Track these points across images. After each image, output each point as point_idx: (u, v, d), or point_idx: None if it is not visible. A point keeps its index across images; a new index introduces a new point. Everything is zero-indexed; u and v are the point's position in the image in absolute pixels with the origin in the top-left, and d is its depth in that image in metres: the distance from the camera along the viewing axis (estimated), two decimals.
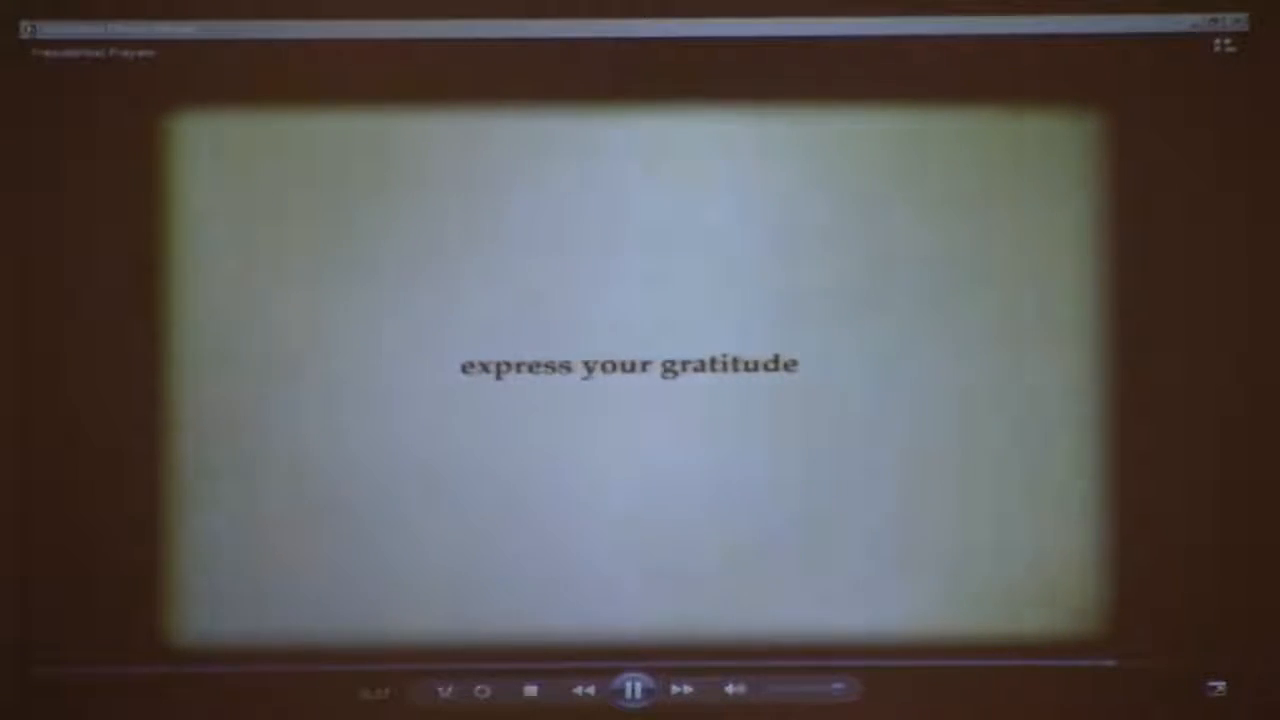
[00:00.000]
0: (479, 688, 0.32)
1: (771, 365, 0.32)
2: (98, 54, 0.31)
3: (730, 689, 0.32)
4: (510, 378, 0.31)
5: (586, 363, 0.32)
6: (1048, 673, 0.32)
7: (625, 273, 0.32)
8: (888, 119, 0.31)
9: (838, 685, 0.32)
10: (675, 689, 0.32)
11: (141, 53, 0.31)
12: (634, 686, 0.32)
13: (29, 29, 0.31)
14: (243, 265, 0.31)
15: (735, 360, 0.32)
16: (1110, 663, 0.32)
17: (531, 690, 0.32)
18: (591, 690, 0.32)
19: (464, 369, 0.31)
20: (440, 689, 0.32)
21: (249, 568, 0.31)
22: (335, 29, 0.31)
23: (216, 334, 0.31)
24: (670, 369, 0.32)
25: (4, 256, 0.31)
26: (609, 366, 0.32)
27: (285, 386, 0.31)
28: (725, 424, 0.32)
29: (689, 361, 0.32)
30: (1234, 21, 0.32)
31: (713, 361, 0.32)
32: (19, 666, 0.31)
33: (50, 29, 0.31)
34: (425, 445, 0.31)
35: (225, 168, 0.31)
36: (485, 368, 0.31)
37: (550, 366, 0.31)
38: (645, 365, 0.32)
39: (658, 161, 0.31)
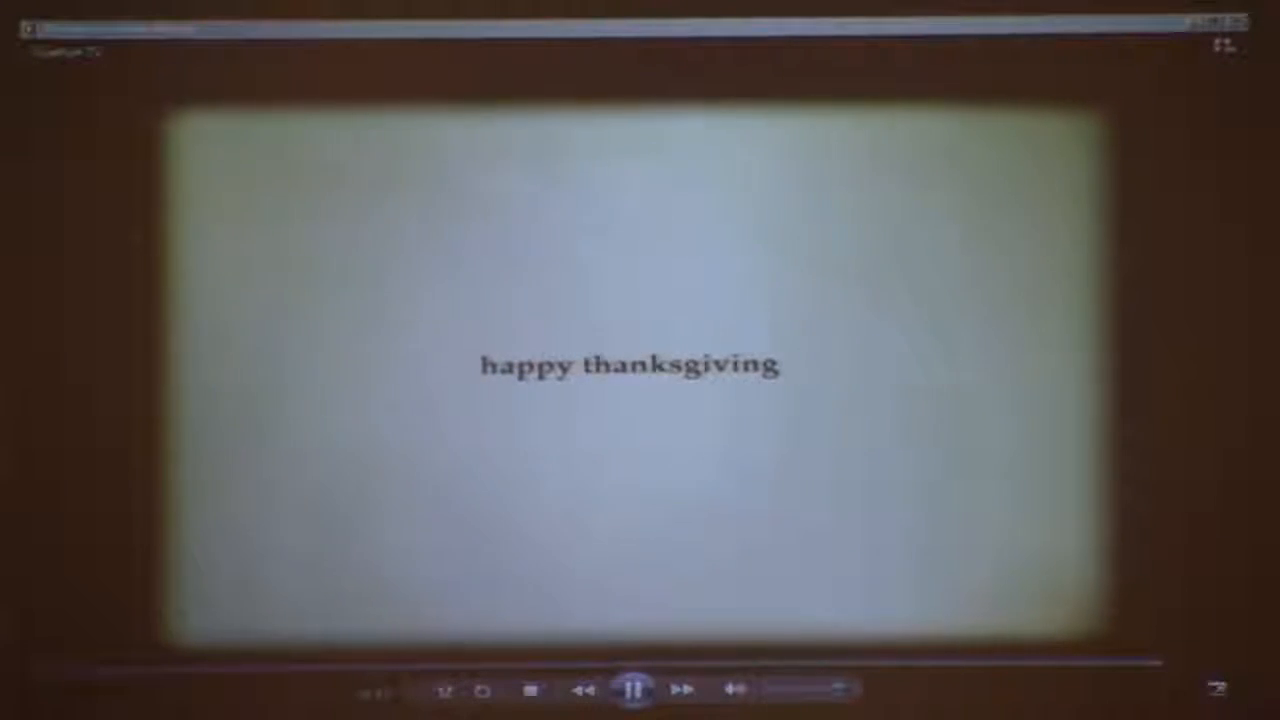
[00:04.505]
0: (479, 688, 0.32)
1: (778, 365, 0.32)
2: (98, 54, 0.31)
3: (730, 689, 0.32)
4: (508, 378, 0.31)
5: (587, 362, 0.32)
6: (1047, 673, 0.32)
7: (625, 272, 0.32)
8: (886, 119, 0.31)
9: (838, 685, 0.32)
10: (675, 689, 0.32)
11: (141, 53, 0.31)
12: (634, 686, 0.32)
13: (29, 29, 0.31)
14: (241, 266, 0.31)
15: (739, 360, 0.32)
16: (1111, 662, 0.32)
17: (531, 690, 0.32)
18: (591, 690, 0.32)
19: (458, 369, 0.31)
20: (440, 689, 0.32)
21: (249, 568, 0.31)
22: (336, 29, 0.31)
23: (218, 335, 0.31)
24: (676, 368, 0.32)
25: (3, 255, 0.31)
26: (610, 366, 0.32)
27: (284, 387, 0.31)
28: (726, 425, 0.32)
29: (696, 361, 0.32)
30: (1234, 21, 0.31)
31: (719, 362, 0.32)
32: (19, 666, 0.31)
33: (50, 29, 0.31)
34: (422, 446, 0.31)
35: (227, 167, 0.31)
36: (483, 367, 0.31)
37: (549, 366, 0.31)
38: (648, 365, 0.32)
39: (662, 161, 0.32)
